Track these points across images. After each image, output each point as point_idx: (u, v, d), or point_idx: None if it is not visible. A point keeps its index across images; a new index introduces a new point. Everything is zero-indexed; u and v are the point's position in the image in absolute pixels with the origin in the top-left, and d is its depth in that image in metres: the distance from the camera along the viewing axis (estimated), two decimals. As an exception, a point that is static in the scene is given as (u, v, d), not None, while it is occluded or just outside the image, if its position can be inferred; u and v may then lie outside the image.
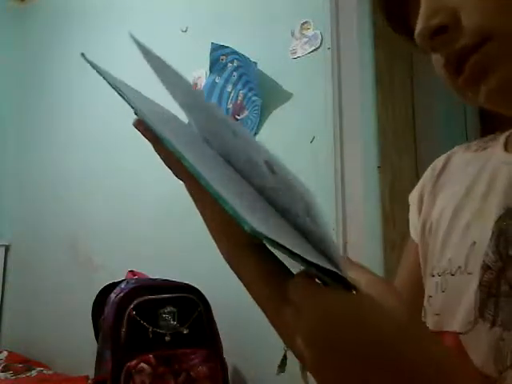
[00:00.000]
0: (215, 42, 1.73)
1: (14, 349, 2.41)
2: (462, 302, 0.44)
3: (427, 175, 0.58)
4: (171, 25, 2.06)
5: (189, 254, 1.75)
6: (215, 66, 1.74)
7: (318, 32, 1.54)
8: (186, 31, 2.00)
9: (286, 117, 1.58)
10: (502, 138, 0.50)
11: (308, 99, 1.54)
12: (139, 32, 2.10)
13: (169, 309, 1.41)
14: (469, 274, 0.44)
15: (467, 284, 0.44)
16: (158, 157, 0.40)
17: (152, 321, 1.38)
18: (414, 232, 0.57)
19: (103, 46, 2.42)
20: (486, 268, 0.43)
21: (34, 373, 2.12)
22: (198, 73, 1.88)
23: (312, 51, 1.54)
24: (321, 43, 1.53)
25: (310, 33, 1.56)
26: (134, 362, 1.23)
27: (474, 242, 0.45)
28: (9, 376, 2.08)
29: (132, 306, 1.37)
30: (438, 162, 0.57)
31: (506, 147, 0.48)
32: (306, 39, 1.56)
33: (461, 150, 0.56)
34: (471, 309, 0.42)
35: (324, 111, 1.47)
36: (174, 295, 1.45)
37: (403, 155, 1.97)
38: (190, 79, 1.91)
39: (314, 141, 1.49)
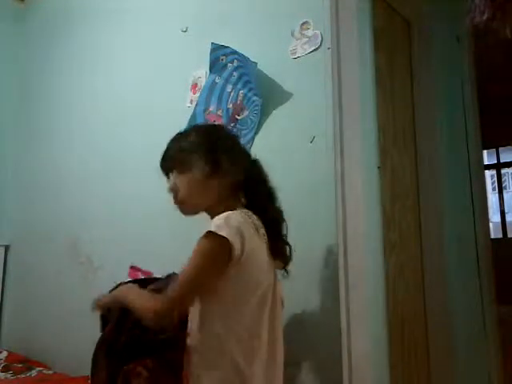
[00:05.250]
0: (215, 42, 1.73)
1: (14, 349, 2.41)
2: None
3: None
4: (171, 25, 2.06)
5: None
6: (215, 66, 1.74)
7: (318, 32, 1.54)
8: (186, 31, 2.00)
9: (286, 117, 1.58)
10: None
11: (308, 99, 1.53)
12: (139, 32, 2.10)
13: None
14: None
15: None
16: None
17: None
18: None
19: (103, 46, 2.42)
20: None
21: (34, 373, 2.12)
22: (198, 73, 1.88)
23: (312, 51, 1.54)
24: (321, 43, 1.53)
25: (309, 33, 1.56)
26: (131, 366, 1.22)
27: None
28: (9, 376, 2.08)
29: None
30: None
31: None
32: (305, 39, 1.56)
33: None
34: None
35: (324, 111, 1.47)
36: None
37: (403, 155, 1.97)
38: (190, 79, 1.91)
39: (314, 141, 1.49)
